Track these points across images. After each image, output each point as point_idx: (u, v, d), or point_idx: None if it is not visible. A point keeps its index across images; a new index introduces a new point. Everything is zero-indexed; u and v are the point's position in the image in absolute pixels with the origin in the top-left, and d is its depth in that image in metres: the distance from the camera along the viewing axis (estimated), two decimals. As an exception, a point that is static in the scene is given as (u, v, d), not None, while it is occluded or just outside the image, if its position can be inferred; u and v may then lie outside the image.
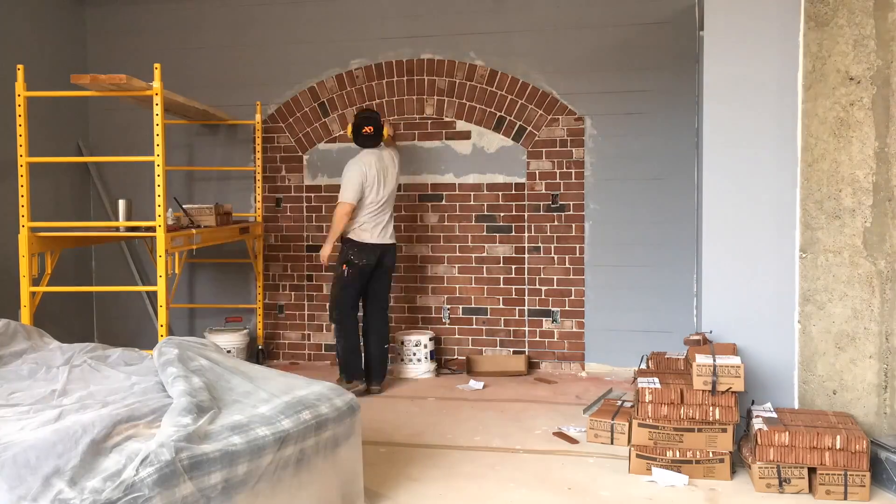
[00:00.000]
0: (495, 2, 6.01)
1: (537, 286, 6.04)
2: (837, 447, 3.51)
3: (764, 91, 4.10)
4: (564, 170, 5.96)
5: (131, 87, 4.58)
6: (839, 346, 3.97)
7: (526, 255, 6.06)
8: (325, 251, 5.39)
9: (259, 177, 6.29)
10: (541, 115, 5.99)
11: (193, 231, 5.07)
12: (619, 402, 4.66)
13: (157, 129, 4.53)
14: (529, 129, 6.01)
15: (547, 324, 6.03)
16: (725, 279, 4.18)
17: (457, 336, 6.17)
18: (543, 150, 6.00)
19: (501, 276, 6.10)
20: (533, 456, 4.08)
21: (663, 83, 5.76)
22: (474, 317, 6.14)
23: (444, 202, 6.17)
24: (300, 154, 6.39)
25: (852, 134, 3.93)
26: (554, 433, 4.43)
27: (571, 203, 5.96)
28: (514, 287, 6.08)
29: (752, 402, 4.02)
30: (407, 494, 3.54)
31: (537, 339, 6.05)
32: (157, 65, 4.56)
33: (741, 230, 4.16)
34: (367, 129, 5.31)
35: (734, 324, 4.14)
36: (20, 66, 4.58)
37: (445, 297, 6.19)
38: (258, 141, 6.28)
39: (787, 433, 3.56)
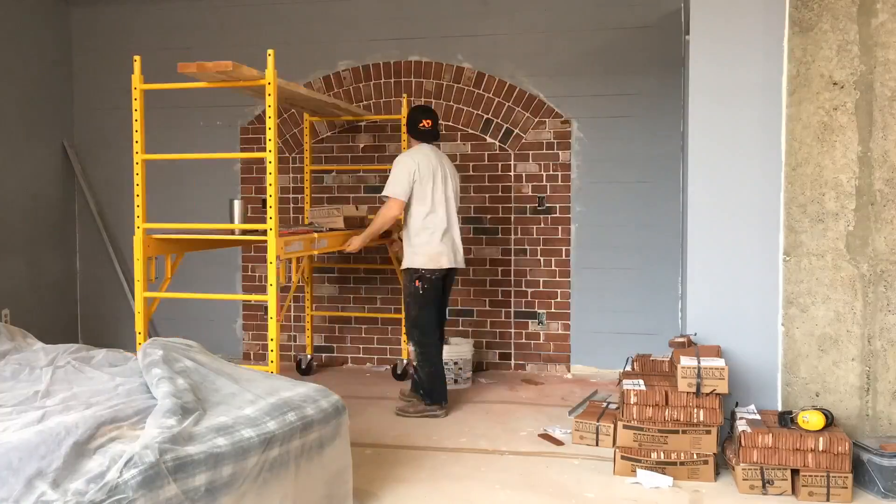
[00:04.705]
0: (483, 4, 6.02)
1: (523, 288, 6.05)
2: (820, 449, 3.54)
3: (749, 95, 4.13)
4: (551, 172, 5.98)
5: (240, 75, 4.10)
6: (822, 348, 4.00)
7: (512, 257, 6.06)
8: (357, 243, 4.89)
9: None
10: (527, 117, 6.00)
11: (316, 235, 4.66)
12: (605, 404, 4.67)
13: (269, 123, 4.04)
14: (516, 131, 6.02)
15: (533, 326, 6.05)
16: (710, 282, 4.21)
17: (443, 338, 6.16)
18: (530, 152, 6.01)
19: (488, 279, 6.11)
20: (518, 457, 4.08)
21: (649, 87, 5.78)
22: (460, 318, 6.14)
23: (430, 204, 6.15)
24: (287, 155, 6.37)
25: (836, 138, 3.97)
26: (539, 435, 4.44)
27: (558, 205, 5.98)
28: (500, 289, 6.09)
29: (736, 404, 4.04)
30: (393, 496, 3.54)
31: (523, 340, 6.06)
32: (270, 51, 4.07)
33: (726, 233, 4.18)
34: (426, 123, 4.89)
35: (718, 326, 4.16)
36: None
37: (432, 298, 6.18)
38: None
39: (770, 435, 3.59)
